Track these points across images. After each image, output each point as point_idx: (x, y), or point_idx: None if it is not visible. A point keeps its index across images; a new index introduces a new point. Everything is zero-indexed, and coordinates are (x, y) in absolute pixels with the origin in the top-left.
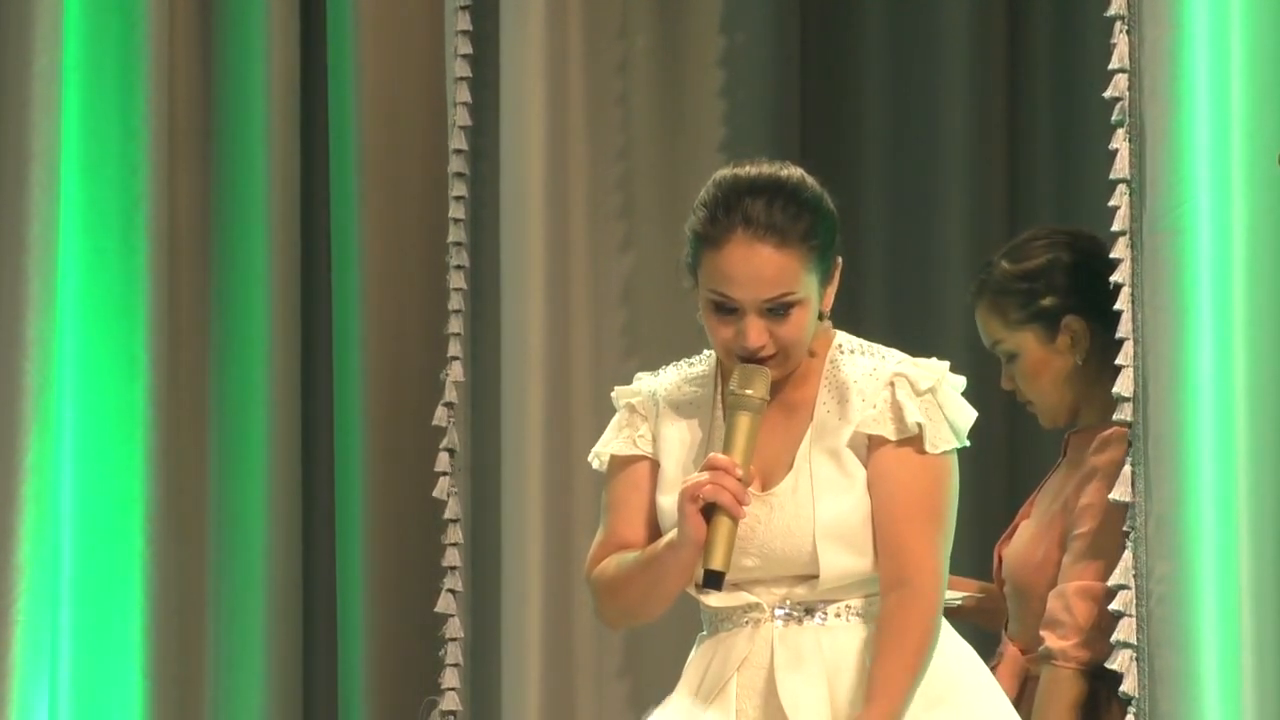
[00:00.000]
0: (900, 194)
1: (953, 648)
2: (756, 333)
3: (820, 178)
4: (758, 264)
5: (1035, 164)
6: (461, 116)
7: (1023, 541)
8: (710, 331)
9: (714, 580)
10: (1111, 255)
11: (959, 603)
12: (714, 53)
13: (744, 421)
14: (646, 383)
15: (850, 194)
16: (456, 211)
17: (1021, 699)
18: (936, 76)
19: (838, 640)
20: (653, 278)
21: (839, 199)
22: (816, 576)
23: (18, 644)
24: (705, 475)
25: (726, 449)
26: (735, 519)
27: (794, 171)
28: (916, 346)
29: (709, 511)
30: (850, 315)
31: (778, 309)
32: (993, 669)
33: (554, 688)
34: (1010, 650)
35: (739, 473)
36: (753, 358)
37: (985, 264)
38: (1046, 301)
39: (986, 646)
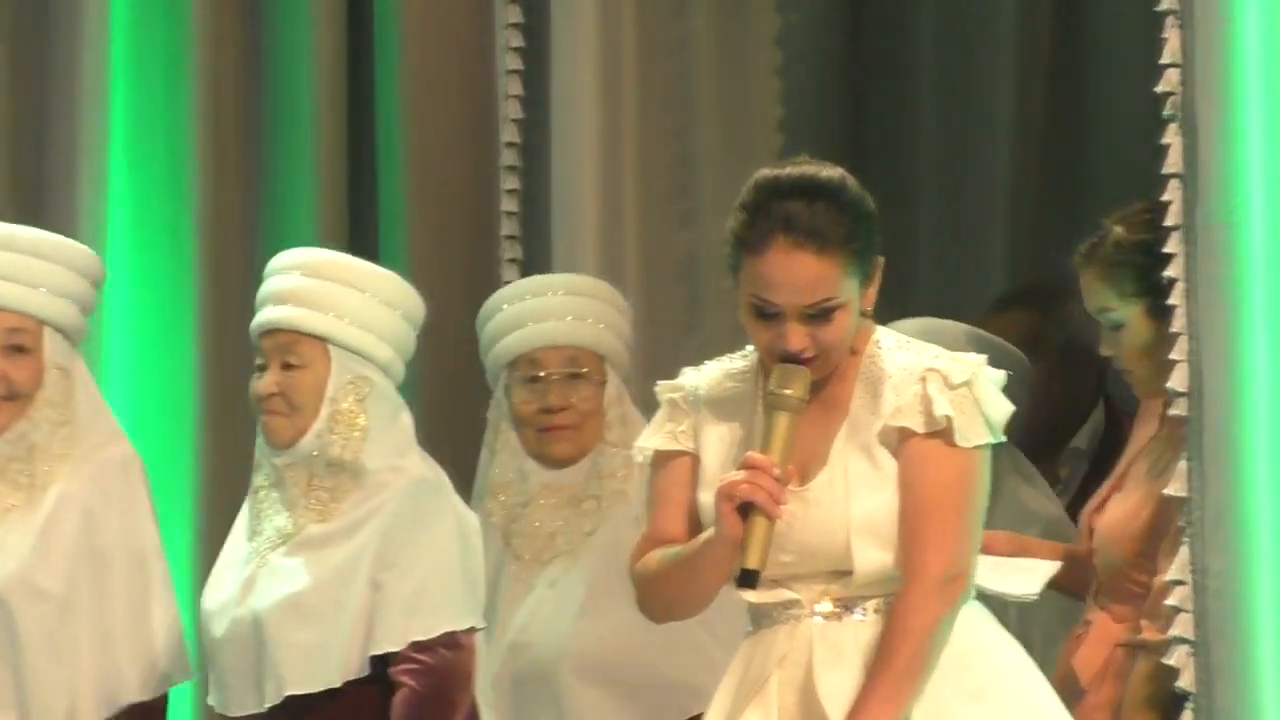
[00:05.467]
0: (952, 170)
1: (994, 639)
2: (797, 337)
3: (873, 157)
4: (798, 271)
5: (1090, 144)
6: (513, 109)
7: (1119, 514)
8: (751, 333)
9: (750, 579)
10: (1164, 250)
11: (1034, 597)
12: (771, 31)
13: (782, 421)
14: (689, 378)
15: (904, 171)
16: (509, 204)
17: (1107, 669)
18: (989, 55)
19: (877, 636)
20: (713, 254)
21: (892, 178)
22: (852, 572)
23: None
24: (742, 474)
25: (764, 448)
26: (772, 519)
27: (834, 173)
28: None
29: (746, 510)
30: (901, 296)
31: (818, 314)
32: (1077, 638)
33: None
34: (1100, 618)
35: (776, 472)
36: (793, 359)
37: (1097, 228)
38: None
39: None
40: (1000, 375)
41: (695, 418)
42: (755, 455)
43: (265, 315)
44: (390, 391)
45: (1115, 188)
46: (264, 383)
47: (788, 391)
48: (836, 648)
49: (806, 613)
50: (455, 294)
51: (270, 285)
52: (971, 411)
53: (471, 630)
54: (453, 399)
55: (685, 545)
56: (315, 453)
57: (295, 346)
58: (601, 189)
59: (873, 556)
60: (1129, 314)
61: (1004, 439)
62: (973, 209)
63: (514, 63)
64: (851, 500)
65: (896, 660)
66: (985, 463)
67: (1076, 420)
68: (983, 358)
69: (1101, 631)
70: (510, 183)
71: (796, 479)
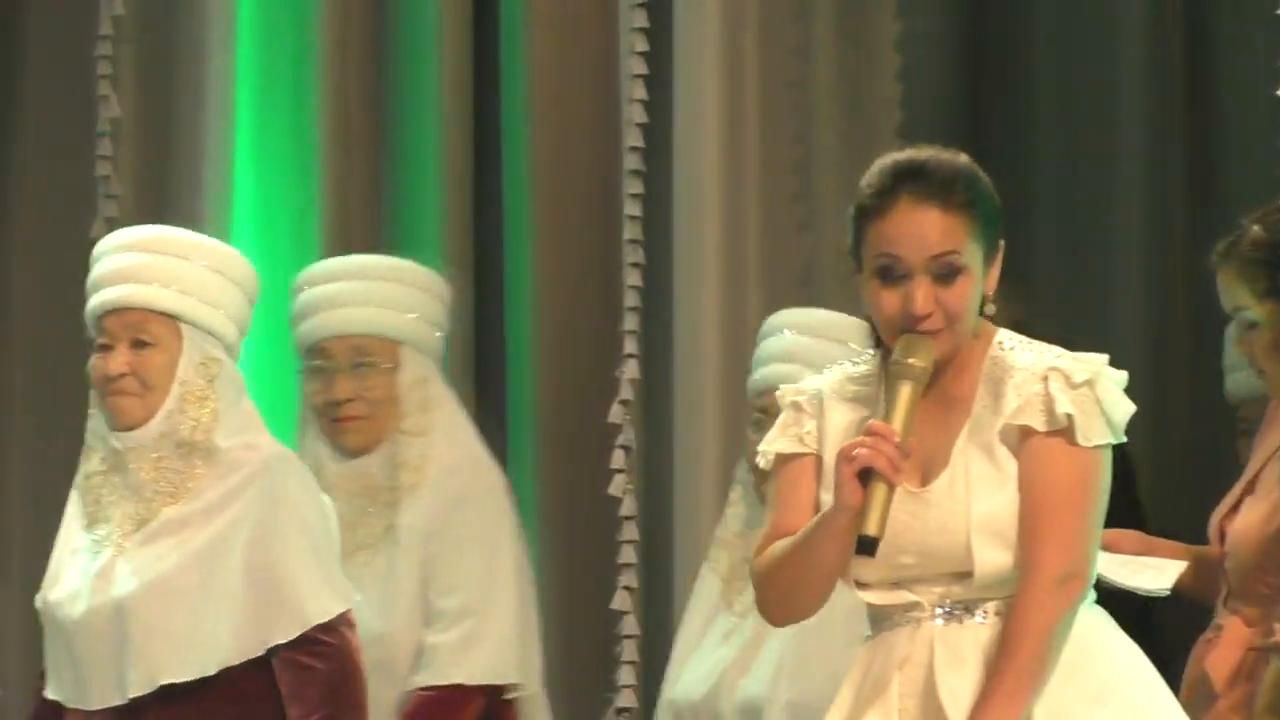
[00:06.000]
0: (1074, 175)
1: (1114, 642)
2: (923, 295)
3: (995, 160)
4: (923, 221)
5: (1216, 157)
6: (637, 113)
7: (1252, 518)
8: (875, 306)
9: (868, 546)
10: None
11: (1166, 593)
12: (891, 36)
13: (905, 390)
14: (812, 381)
15: (1025, 176)
16: (633, 209)
17: (1240, 672)
18: (1112, 62)
19: (997, 637)
20: (831, 259)
21: (1013, 183)
22: (972, 574)
23: None
24: (863, 439)
25: (886, 417)
26: (891, 485)
27: (956, 154)
28: (1090, 342)
29: (865, 477)
30: (1022, 299)
31: (944, 271)
32: (1208, 642)
33: None
34: (1232, 622)
35: (897, 439)
36: (916, 328)
37: (1236, 226)
38: None
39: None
40: (1122, 375)
41: (819, 420)
42: (877, 422)
43: (111, 294)
44: (235, 371)
45: (1244, 192)
46: (115, 362)
47: (911, 360)
48: (957, 650)
49: (927, 615)
50: (579, 297)
51: (109, 264)
52: (1093, 411)
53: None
54: (577, 402)
55: (803, 527)
56: (164, 433)
57: (146, 325)
58: (723, 192)
59: (993, 557)
60: (1263, 313)
61: (1124, 440)
62: (1095, 215)
63: (638, 68)
64: (972, 501)
65: (1016, 660)
66: (1106, 463)
67: None
68: (1105, 357)
69: (1233, 635)
70: (634, 186)
71: (917, 480)
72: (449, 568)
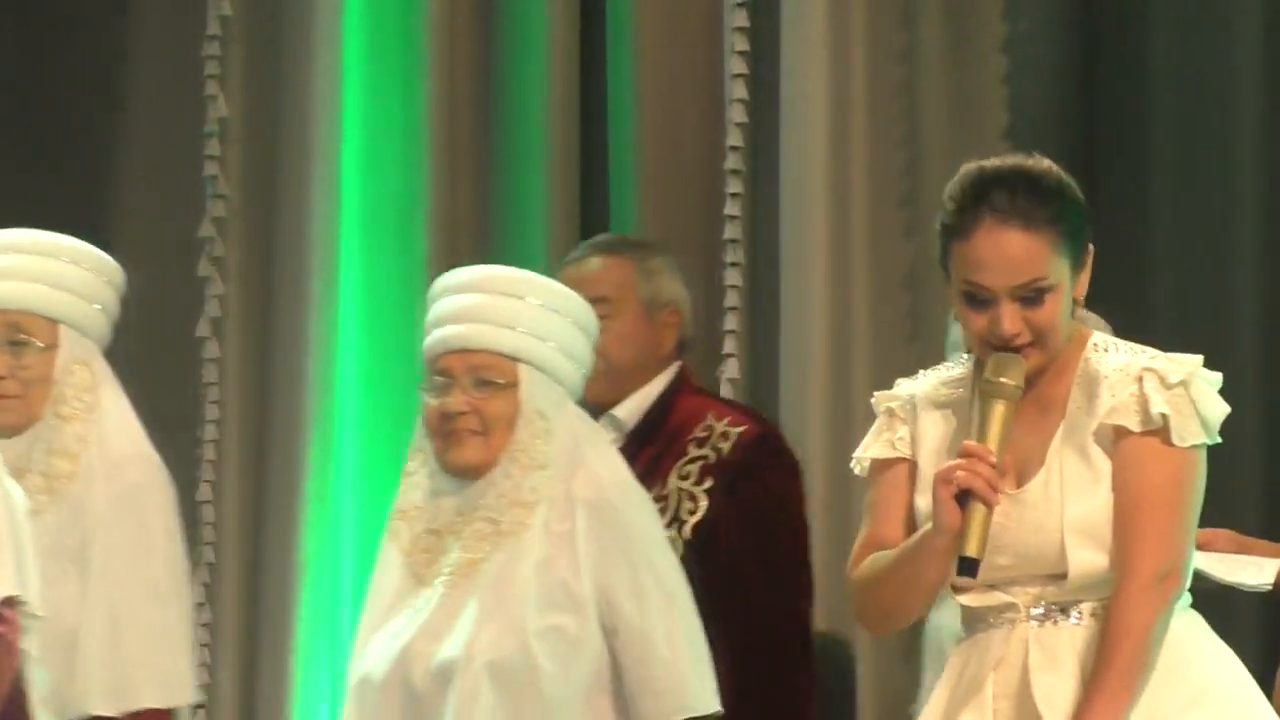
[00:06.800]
0: (1191, 180)
1: (1208, 647)
2: (1011, 320)
3: (1106, 163)
4: (1006, 248)
5: None
6: (738, 113)
7: None
8: (964, 324)
9: (969, 568)
10: None
11: (1269, 588)
12: (997, 39)
13: (998, 409)
14: (905, 387)
15: (1137, 181)
16: (732, 208)
17: None
18: (1228, 60)
19: (1093, 639)
20: (935, 263)
21: (1125, 188)
22: (1067, 575)
23: (300, 639)
24: (959, 461)
25: (980, 436)
26: (990, 506)
27: (1039, 162)
28: (1205, 345)
29: (963, 499)
30: (1136, 313)
31: (1030, 295)
32: None
33: (835, 688)
34: None
35: (993, 459)
36: (1007, 346)
37: None
38: None
39: None
40: (1217, 377)
41: (913, 425)
42: (971, 443)
43: None
44: None
45: None
46: None
47: (1003, 379)
48: (1052, 651)
49: (1021, 617)
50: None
51: None
52: (1188, 411)
53: (10, 601)
54: None
55: (902, 544)
56: None
57: None
58: (828, 196)
59: (1087, 558)
60: None
61: (1219, 440)
62: (1211, 215)
63: (739, 68)
64: (1067, 502)
65: (1117, 661)
66: (1201, 463)
67: (653, 370)
68: (1199, 358)
69: None
70: (734, 185)
71: (1012, 482)
72: (116, 576)
